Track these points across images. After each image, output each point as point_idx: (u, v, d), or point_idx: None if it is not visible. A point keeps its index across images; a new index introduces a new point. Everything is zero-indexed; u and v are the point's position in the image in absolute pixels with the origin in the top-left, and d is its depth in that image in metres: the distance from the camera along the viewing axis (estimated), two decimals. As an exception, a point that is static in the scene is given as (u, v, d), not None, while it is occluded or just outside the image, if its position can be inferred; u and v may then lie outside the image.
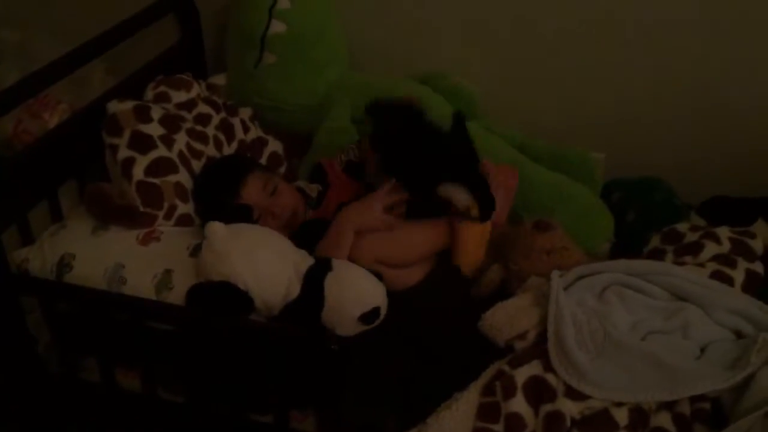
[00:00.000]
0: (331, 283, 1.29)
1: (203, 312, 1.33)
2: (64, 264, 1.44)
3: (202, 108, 1.72)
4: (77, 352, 1.52)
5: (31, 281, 1.48)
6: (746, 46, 1.72)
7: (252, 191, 1.53)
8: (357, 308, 1.28)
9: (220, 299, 1.31)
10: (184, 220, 1.54)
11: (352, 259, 1.40)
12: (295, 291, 1.30)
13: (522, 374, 1.21)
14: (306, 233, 1.48)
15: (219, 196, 1.54)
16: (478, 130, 1.75)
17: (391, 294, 1.33)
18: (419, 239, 1.48)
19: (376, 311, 1.29)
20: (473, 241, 1.49)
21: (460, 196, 1.43)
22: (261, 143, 1.82)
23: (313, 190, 1.65)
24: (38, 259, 1.47)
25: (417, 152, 1.44)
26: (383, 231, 1.44)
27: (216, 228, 1.32)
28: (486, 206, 1.45)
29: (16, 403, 1.61)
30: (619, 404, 1.17)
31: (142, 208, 1.49)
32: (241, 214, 1.47)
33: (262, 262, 1.30)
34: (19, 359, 1.53)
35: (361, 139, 1.67)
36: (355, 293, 1.29)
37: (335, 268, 1.32)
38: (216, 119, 1.73)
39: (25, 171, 1.49)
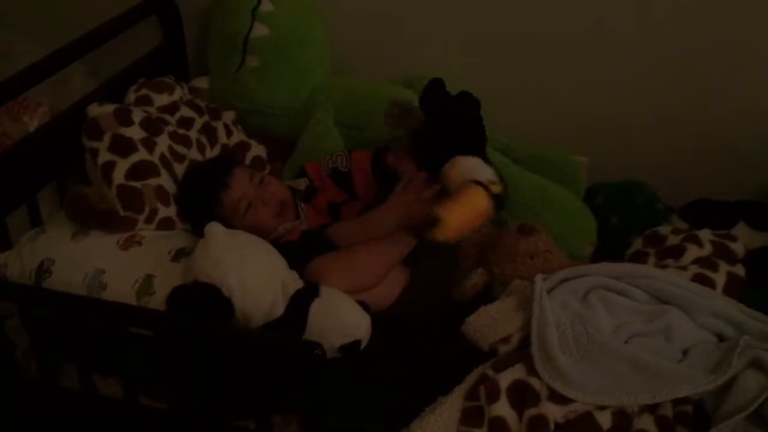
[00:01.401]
0: (316, 310, 1.28)
1: (183, 315, 1.32)
2: (44, 269, 1.43)
3: (185, 111, 1.70)
4: (56, 358, 1.50)
5: (9, 287, 1.46)
6: (726, 48, 1.73)
7: (240, 181, 1.54)
8: (338, 339, 1.28)
9: (201, 301, 1.30)
10: (165, 224, 1.53)
11: None
12: (279, 311, 1.30)
13: (506, 378, 1.21)
14: (306, 244, 1.46)
15: (208, 188, 1.53)
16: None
17: (374, 314, 1.33)
18: (375, 259, 1.43)
19: (356, 343, 1.29)
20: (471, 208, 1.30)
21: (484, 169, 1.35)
22: (244, 147, 1.81)
23: (300, 183, 1.66)
24: (17, 264, 1.45)
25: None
26: (348, 258, 1.41)
27: (216, 229, 1.31)
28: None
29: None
30: (603, 407, 1.17)
31: (122, 212, 1.47)
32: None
33: (251, 275, 1.29)
34: (-3, 366, 1.51)
35: (352, 150, 1.66)
36: (338, 324, 1.28)
37: (323, 294, 1.31)
38: (199, 123, 1.72)
39: (4, 175, 1.47)
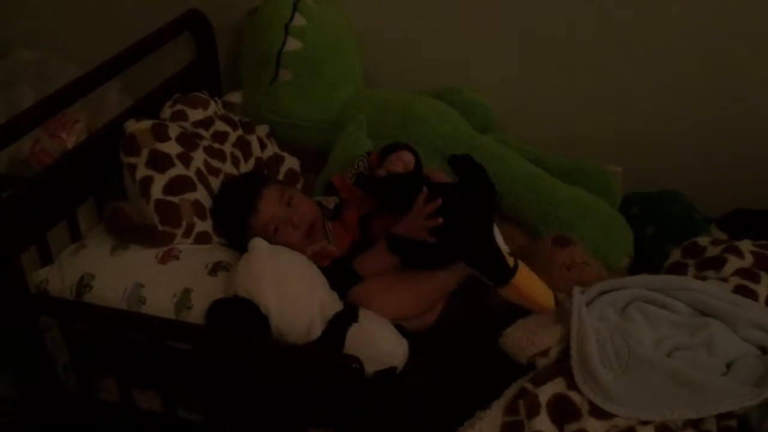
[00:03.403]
0: (353, 335, 1.28)
1: (221, 330, 1.33)
2: (84, 284, 1.44)
3: (219, 126, 1.72)
4: (96, 372, 1.52)
5: (50, 301, 1.48)
6: (764, 55, 1.71)
7: (269, 204, 1.52)
8: (373, 365, 1.27)
9: (238, 317, 1.31)
10: (202, 238, 1.54)
11: None
12: (316, 333, 1.29)
13: (545, 392, 1.20)
14: (335, 272, 1.45)
15: (237, 213, 1.54)
16: (494, 144, 1.75)
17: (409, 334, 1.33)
18: (429, 287, 1.44)
19: (391, 370, 1.29)
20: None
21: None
22: (277, 160, 1.83)
23: (330, 202, 1.65)
24: (57, 279, 1.47)
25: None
26: (396, 287, 1.41)
27: (260, 245, 1.31)
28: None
29: (35, 424, 1.61)
30: (645, 422, 1.15)
31: (160, 227, 1.49)
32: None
33: (290, 295, 1.29)
34: (37, 380, 1.53)
35: (371, 153, 1.65)
36: (375, 351, 1.28)
37: (361, 319, 1.30)
38: (233, 137, 1.73)
39: (44, 191, 1.49)
